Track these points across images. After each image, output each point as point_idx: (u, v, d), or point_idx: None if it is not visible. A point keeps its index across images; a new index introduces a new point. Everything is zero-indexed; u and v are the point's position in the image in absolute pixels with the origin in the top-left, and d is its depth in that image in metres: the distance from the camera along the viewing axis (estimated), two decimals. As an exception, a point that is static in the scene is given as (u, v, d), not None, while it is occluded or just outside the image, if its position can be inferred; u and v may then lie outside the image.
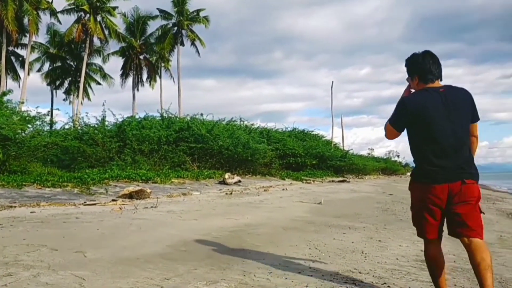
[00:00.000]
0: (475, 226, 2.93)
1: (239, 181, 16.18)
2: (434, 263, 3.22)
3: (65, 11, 34.97)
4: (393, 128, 3.15)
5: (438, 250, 3.20)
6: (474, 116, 3.08)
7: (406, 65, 3.21)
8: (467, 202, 2.93)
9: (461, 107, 3.02)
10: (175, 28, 39.89)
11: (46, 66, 39.88)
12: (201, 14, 40.48)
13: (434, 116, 2.96)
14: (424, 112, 2.98)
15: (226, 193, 12.25)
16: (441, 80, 3.15)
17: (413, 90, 3.21)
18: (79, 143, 16.91)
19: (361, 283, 3.62)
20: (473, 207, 2.95)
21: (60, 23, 36.68)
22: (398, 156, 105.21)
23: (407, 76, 3.25)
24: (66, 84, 41.15)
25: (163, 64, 42.63)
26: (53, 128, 19.80)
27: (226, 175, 16.03)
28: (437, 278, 3.21)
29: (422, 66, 3.11)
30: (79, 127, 19.22)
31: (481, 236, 2.94)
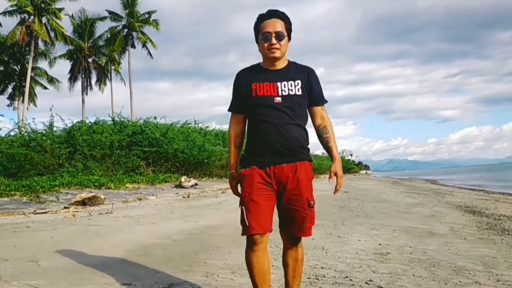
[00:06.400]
0: None
1: (196, 184, 16.03)
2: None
3: (7, 12, 33.30)
4: None
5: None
6: None
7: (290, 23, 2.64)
8: None
9: None
10: (126, 30, 38.97)
11: (-14, 71, 37.82)
12: (153, 16, 39.80)
13: None
14: None
15: (183, 196, 12.09)
16: None
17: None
18: (26, 150, 16.24)
19: (324, 278, 3.66)
20: None
21: (1, 25, 34.96)
22: (351, 155, 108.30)
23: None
24: (10, 89, 39.25)
25: (113, 67, 41.52)
26: (-3, 135, 18.84)
27: (182, 179, 15.84)
28: None
29: None
30: (25, 134, 18.44)
31: None
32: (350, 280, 3.61)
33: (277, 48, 2.54)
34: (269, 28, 2.54)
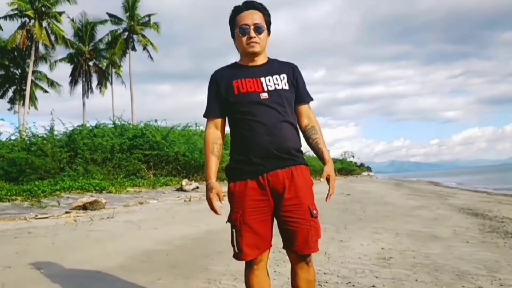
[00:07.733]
0: None
1: (197, 187, 16.01)
2: None
3: (7, 16, 33.36)
4: None
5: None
6: None
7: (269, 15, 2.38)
8: None
9: None
10: (126, 33, 39.03)
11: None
12: (153, 18, 39.86)
13: None
14: None
15: (185, 200, 12.07)
16: None
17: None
18: (27, 154, 16.25)
19: (326, 284, 3.63)
20: None
21: (2, 29, 35.02)
22: (353, 156, 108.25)
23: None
24: (10, 93, 39.29)
25: (114, 70, 41.59)
26: (-2, 140, 18.87)
27: (184, 182, 15.82)
28: None
29: None
30: (26, 138, 18.46)
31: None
32: (353, 286, 3.59)
33: (256, 42, 2.25)
34: (246, 20, 2.25)
